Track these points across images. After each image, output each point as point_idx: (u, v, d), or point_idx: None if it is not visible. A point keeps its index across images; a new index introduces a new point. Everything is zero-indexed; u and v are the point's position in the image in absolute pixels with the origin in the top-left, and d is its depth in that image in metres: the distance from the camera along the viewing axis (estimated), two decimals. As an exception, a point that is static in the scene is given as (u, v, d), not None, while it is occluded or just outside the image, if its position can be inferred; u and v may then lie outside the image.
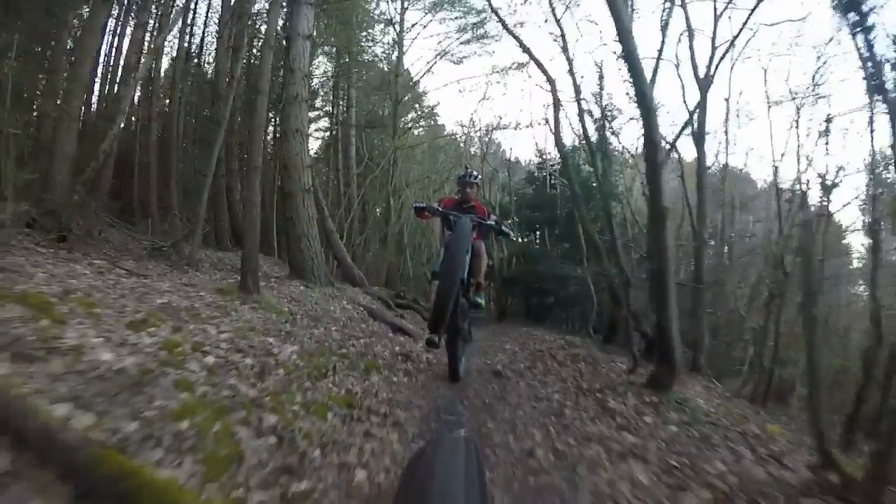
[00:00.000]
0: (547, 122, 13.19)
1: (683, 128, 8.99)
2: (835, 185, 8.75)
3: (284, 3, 7.57)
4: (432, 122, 22.67)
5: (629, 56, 3.99)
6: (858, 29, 3.92)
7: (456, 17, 16.54)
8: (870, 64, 4.15)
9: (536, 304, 13.27)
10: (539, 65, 9.54)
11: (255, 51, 13.17)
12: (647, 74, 7.31)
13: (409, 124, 19.34)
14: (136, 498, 1.43)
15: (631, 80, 4.19)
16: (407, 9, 16.54)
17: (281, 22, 8.74)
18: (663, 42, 7.19)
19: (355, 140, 17.01)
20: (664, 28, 7.27)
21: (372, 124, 15.84)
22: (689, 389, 4.77)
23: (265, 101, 5.16)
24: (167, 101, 12.31)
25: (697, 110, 9.44)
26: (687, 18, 10.25)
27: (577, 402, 3.61)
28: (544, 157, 16.10)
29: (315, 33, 9.55)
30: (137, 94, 10.44)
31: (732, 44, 9.25)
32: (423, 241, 22.04)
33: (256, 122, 5.16)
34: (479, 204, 4.50)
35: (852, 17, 3.91)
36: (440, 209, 4.15)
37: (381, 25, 16.68)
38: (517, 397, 3.73)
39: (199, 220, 6.02)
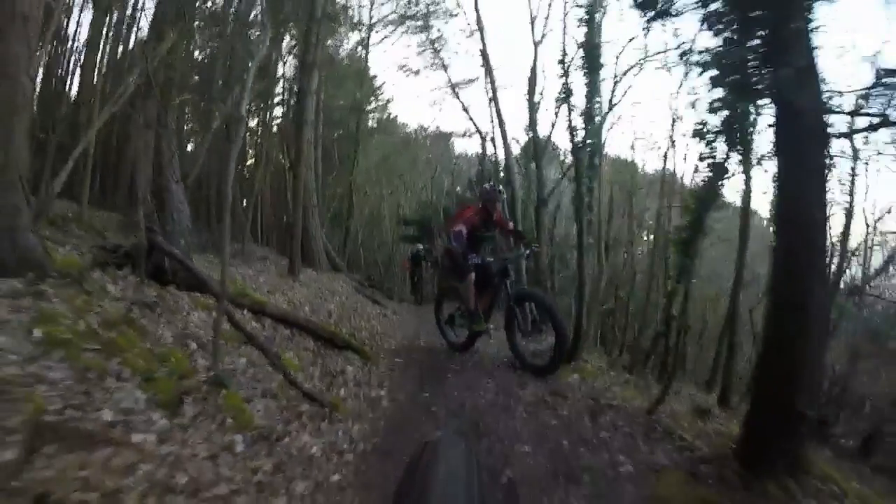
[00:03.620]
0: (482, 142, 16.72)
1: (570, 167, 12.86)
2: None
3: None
4: (388, 116, 25.28)
5: (507, 159, 7.66)
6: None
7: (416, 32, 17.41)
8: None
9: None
10: (473, 122, 13.22)
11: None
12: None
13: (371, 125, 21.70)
14: (336, 337, 4.85)
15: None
16: (374, 25, 18.25)
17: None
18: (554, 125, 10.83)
19: (323, 144, 19.57)
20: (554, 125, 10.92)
21: (340, 134, 18.54)
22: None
23: (304, 171, 8.45)
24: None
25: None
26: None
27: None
28: (481, 166, 19.30)
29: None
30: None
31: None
32: (377, 232, 25.35)
33: (296, 182, 8.44)
34: (500, 217, 5.14)
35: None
36: (472, 260, 4.75)
37: (346, 27, 17.53)
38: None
39: (246, 230, 9.19)
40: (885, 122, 2.05)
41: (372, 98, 21.73)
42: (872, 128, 2.10)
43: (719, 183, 3.03)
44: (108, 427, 2.07)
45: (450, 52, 23.05)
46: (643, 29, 2.69)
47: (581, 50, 4.94)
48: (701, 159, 2.90)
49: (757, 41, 2.29)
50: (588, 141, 5.00)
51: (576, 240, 7.21)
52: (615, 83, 8.93)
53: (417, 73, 19.10)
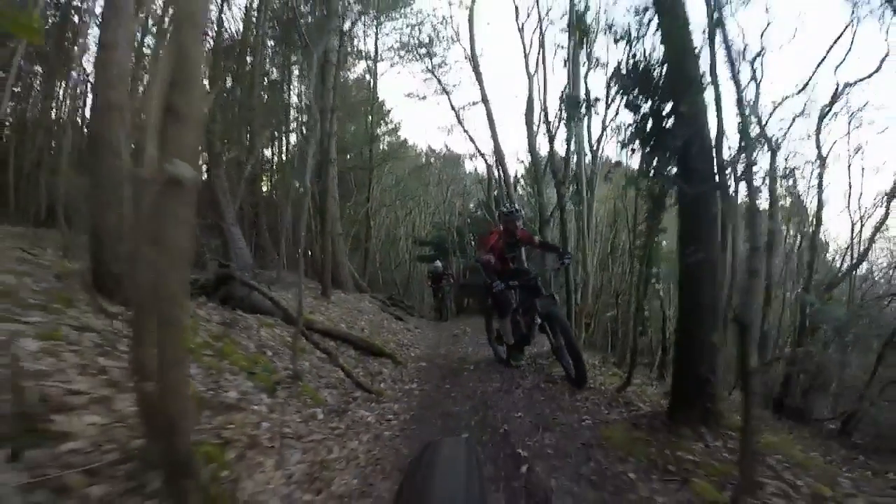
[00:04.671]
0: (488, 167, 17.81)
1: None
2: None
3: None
4: (399, 139, 26.39)
5: (507, 187, 8.75)
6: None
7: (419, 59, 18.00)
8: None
9: (483, 303, 17.92)
10: (477, 149, 14.29)
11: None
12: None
13: (383, 148, 22.75)
14: (372, 346, 5.93)
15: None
16: (380, 57, 19.24)
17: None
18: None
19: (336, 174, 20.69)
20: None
21: (353, 165, 19.74)
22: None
23: (331, 203, 9.66)
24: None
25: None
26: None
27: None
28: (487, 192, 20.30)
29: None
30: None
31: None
32: (393, 252, 26.54)
33: (324, 216, 9.67)
34: (524, 234, 5.40)
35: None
36: (504, 284, 4.91)
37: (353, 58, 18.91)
38: (467, 339, 8.39)
39: (281, 258, 10.39)
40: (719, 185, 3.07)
41: (381, 122, 22.84)
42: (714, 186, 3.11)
43: (660, 214, 4.06)
44: (236, 401, 3.16)
45: (453, 79, 24.44)
46: (584, 115, 3.76)
47: (562, 102, 6.01)
48: (641, 196, 3.94)
49: (662, 117, 3.37)
50: (569, 177, 6.04)
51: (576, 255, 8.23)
52: (608, 104, 9.89)
53: (424, 98, 20.40)
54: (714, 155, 3.03)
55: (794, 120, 7.15)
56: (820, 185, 8.22)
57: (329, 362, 4.46)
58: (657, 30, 3.24)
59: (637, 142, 3.59)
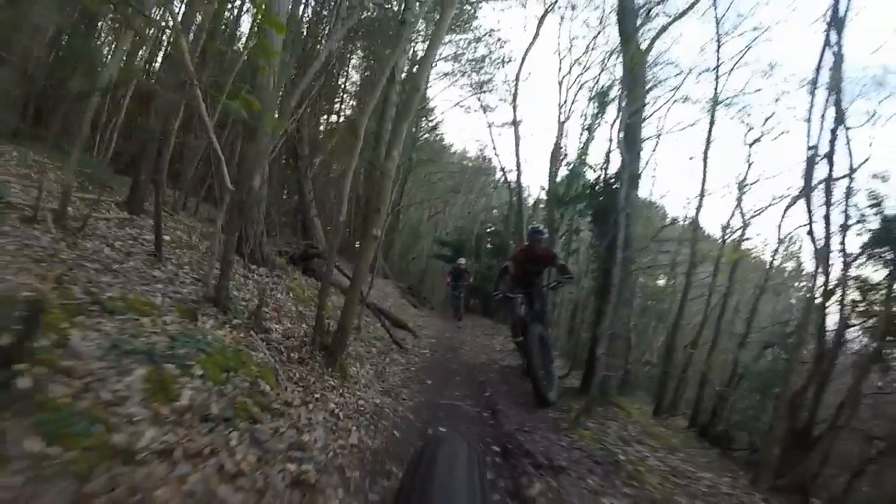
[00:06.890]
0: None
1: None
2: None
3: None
4: (437, 139, 28.22)
5: (523, 217, 11.10)
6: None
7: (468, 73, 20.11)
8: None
9: (486, 305, 19.93)
10: (503, 171, 16.46)
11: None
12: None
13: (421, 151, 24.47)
14: (399, 320, 8.30)
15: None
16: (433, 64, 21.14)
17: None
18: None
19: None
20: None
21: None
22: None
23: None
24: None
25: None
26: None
27: (485, 331, 10.74)
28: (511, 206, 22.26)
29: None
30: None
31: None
32: (414, 247, 28.83)
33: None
34: (545, 254, 5.81)
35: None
36: (515, 295, 5.70)
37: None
38: (467, 331, 10.76)
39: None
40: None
41: (423, 119, 23.54)
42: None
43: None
44: (331, 334, 5.51)
45: (494, 100, 26.80)
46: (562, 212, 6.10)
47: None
48: (595, 255, 6.27)
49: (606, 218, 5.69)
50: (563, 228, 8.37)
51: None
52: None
53: (468, 110, 22.72)
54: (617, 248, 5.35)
55: (766, 207, 9.06)
56: (770, 265, 10.28)
57: (375, 323, 6.84)
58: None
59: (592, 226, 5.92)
